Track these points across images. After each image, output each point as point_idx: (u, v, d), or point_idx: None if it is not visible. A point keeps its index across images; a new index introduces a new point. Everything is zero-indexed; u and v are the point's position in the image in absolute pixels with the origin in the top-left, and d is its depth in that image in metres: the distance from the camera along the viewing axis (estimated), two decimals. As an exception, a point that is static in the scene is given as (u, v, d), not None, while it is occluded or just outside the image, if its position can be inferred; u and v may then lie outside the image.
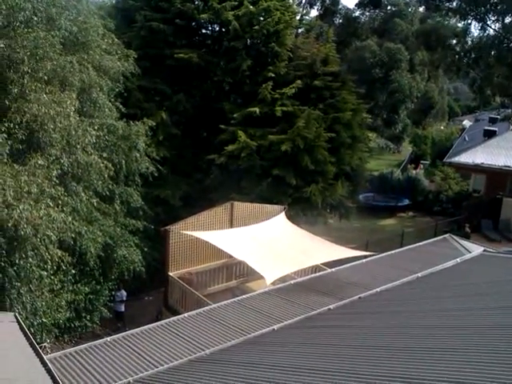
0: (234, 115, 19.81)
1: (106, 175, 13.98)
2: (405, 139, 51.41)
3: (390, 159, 47.61)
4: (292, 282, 13.10)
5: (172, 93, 20.29)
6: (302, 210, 19.90)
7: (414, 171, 38.59)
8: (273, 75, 20.40)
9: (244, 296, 11.91)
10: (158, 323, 10.34)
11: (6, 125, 11.57)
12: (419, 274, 11.97)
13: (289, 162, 19.50)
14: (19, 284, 11.43)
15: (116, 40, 16.81)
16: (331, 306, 10.28)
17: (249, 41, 21.22)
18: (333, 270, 13.79)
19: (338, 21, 49.38)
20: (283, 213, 16.88)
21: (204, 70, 20.97)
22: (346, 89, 22.05)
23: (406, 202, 32.62)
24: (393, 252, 15.27)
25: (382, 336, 7.59)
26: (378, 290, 11.11)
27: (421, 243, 16.04)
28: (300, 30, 27.17)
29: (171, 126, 19.77)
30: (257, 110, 19.54)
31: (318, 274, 13.87)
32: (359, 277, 12.92)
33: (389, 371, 5.68)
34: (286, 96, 20.04)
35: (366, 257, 14.59)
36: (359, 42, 46.30)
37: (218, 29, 22.64)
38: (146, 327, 9.99)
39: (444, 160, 33.41)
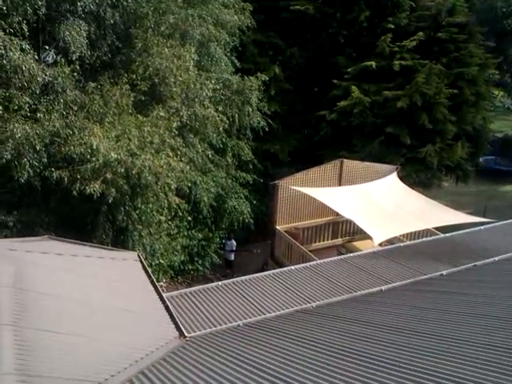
0: (348, 69, 19.19)
1: (221, 128, 14.44)
2: (536, 99, 46.28)
3: (517, 120, 43.34)
4: (402, 244, 12.73)
5: (285, 47, 20.06)
6: (415, 171, 19.03)
7: (544, 134, 34.86)
8: (392, 27, 19.24)
9: (350, 254, 11.83)
10: (265, 273, 10.64)
11: (128, 76, 12.29)
12: (545, 246, 10.98)
13: (404, 119, 18.60)
14: (141, 227, 12.44)
15: (233, -7, 16.85)
16: (444, 272, 9.82)
17: (368, -10, 20.08)
18: (446, 235, 13.14)
19: (468, -34, 44.87)
20: (395, 173, 16.30)
21: (319, 23, 20.35)
22: (473, 42, 20.30)
23: (533, 167, 29.80)
24: (515, 220, 14.16)
25: (499, 306, 7.13)
26: (496, 258, 10.38)
27: (548, 213, 14.67)
28: (424, -23, 25.10)
29: (283, 81, 19.70)
30: (373, 63, 18.70)
31: (430, 238, 13.31)
32: (475, 244, 12.17)
33: (504, 342, 5.37)
34: (405, 49, 18.89)
35: (482, 224, 13.68)
36: (491, -11, 41.78)
37: (335, -22, 21.70)
38: (253, 276, 10.34)
39: None
